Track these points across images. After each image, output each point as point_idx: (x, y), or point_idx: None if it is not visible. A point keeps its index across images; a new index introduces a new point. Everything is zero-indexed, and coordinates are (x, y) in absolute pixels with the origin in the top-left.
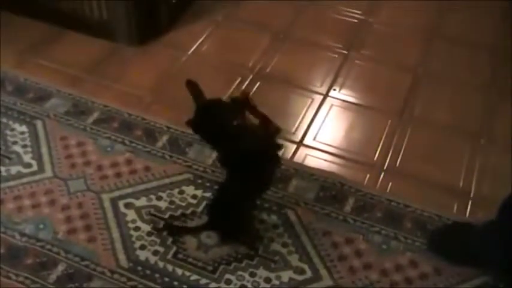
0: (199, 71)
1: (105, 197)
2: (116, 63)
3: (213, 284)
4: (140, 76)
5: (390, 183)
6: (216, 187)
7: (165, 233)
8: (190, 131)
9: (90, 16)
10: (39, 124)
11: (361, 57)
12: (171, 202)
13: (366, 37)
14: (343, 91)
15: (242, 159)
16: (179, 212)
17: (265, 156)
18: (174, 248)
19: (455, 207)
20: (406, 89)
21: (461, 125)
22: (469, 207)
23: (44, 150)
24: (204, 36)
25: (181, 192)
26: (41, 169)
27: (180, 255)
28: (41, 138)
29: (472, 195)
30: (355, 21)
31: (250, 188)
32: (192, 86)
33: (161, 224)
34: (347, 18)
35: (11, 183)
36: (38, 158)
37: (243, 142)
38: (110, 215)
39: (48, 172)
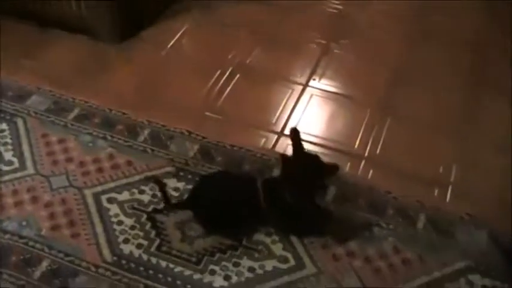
0: (179, 65)
1: (88, 193)
2: (98, 63)
3: (197, 275)
4: (123, 73)
5: (371, 171)
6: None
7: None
8: (172, 126)
9: (70, 15)
10: (19, 122)
11: (341, 47)
12: (154, 195)
13: (346, 28)
14: (323, 81)
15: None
16: (162, 204)
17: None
18: (158, 241)
19: (435, 193)
20: (386, 79)
21: (440, 116)
22: (448, 194)
23: (25, 147)
24: (182, 31)
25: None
26: (23, 166)
27: (163, 248)
28: (22, 135)
29: (451, 181)
30: (335, 11)
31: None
32: (295, 134)
33: (144, 216)
34: (327, 9)
35: None
36: (20, 155)
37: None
38: (93, 210)
39: (30, 169)
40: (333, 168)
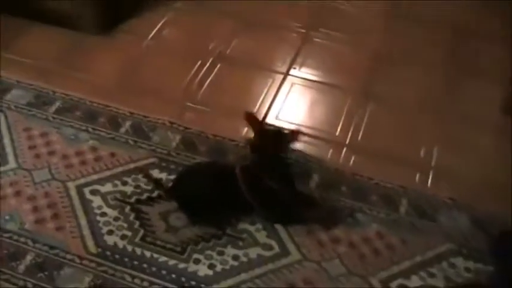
0: (160, 56)
1: (71, 185)
2: (79, 54)
3: (182, 265)
4: (104, 65)
5: (353, 158)
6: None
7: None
8: (153, 117)
9: (52, 7)
10: (0, 116)
11: (321, 35)
12: (137, 186)
13: (326, 16)
14: (304, 69)
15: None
16: (145, 195)
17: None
18: (142, 232)
19: (417, 178)
20: (366, 67)
21: (421, 101)
22: (430, 178)
23: (7, 141)
24: (164, 22)
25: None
26: (5, 161)
27: (148, 238)
28: (3, 130)
29: (433, 165)
30: (316, 0)
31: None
32: (250, 118)
33: (128, 207)
34: None
35: None
36: (1, 149)
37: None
38: (77, 202)
39: (12, 163)
40: (295, 134)
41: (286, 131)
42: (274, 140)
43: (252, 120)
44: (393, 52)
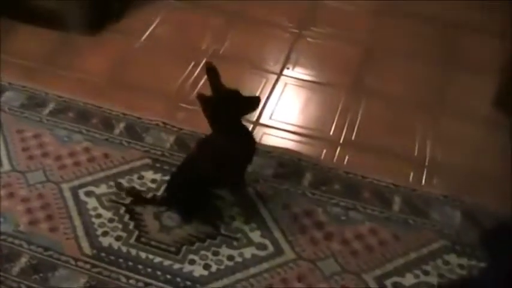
0: (153, 55)
1: (65, 187)
2: (70, 53)
3: (177, 265)
4: (95, 64)
5: (347, 156)
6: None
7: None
8: (148, 116)
9: (41, 7)
10: None
11: (313, 34)
12: (131, 188)
13: (317, 15)
14: (297, 69)
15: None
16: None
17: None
18: (137, 232)
19: (411, 176)
20: (359, 64)
21: (413, 96)
22: (424, 175)
23: (0, 144)
24: (156, 21)
25: (140, 177)
26: None
27: (142, 239)
28: None
29: (426, 163)
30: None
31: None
32: (211, 71)
33: (122, 208)
34: None
35: None
36: None
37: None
38: (71, 204)
39: (6, 166)
40: (255, 100)
41: (246, 96)
42: (230, 100)
43: (212, 74)
44: (386, 49)
